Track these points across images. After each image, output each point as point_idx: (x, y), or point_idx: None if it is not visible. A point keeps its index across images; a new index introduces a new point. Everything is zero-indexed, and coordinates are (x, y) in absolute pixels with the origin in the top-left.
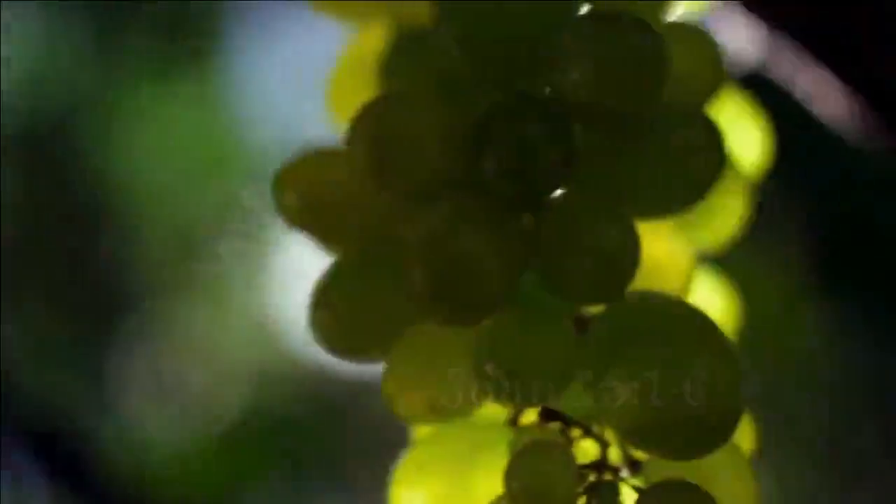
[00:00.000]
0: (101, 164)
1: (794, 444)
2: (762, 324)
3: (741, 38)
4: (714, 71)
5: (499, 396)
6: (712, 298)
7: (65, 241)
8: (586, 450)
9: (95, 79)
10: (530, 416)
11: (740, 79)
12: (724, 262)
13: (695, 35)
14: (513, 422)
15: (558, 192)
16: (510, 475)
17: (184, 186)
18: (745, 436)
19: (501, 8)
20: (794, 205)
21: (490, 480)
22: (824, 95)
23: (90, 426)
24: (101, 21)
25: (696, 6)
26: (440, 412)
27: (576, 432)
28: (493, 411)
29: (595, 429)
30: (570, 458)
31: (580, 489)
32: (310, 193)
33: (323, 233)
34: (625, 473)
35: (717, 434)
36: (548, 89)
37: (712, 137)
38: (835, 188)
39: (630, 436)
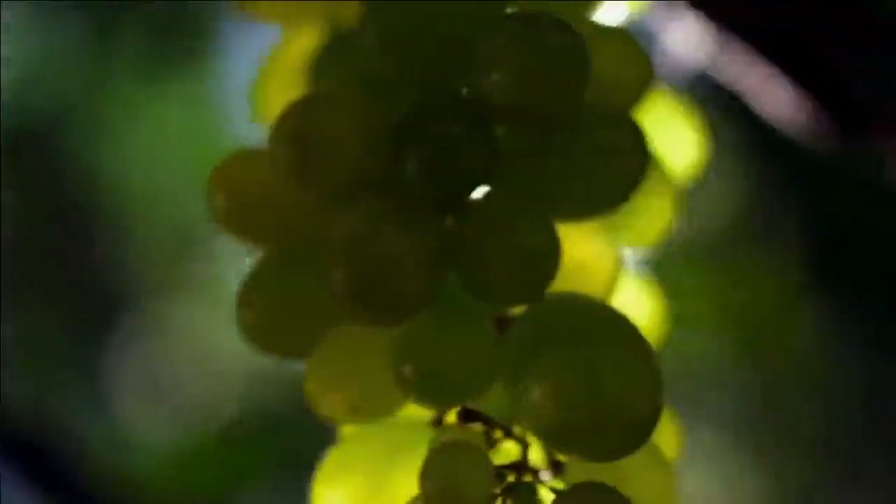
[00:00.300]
0: (96, 164)
1: (793, 444)
2: (761, 324)
3: (689, 39)
4: (641, 72)
5: (417, 397)
6: (638, 302)
7: (59, 241)
8: (509, 451)
9: (90, 79)
10: (454, 416)
11: (690, 79)
12: (724, 262)
13: (621, 37)
14: (437, 422)
15: (480, 192)
16: (424, 475)
17: (179, 186)
18: (669, 439)
19: (423, 9)
20: (792, 205)
21: (410, 481)
22: (773, 95)
23: (85, 426)
24: (95, 21)
25: (633, 6)
26: (361, 413)
27: (498, 433)
28: (417, 412)
29: (517, 430)
30: (485, 458)
31: (497, 490)
32: (236, 194)
33: (249, 233)
34: (547, 475)
35: (633, 437)
36: (469, 90)
37: (636, 139)
38: (832, 188)
39: (547, 437)
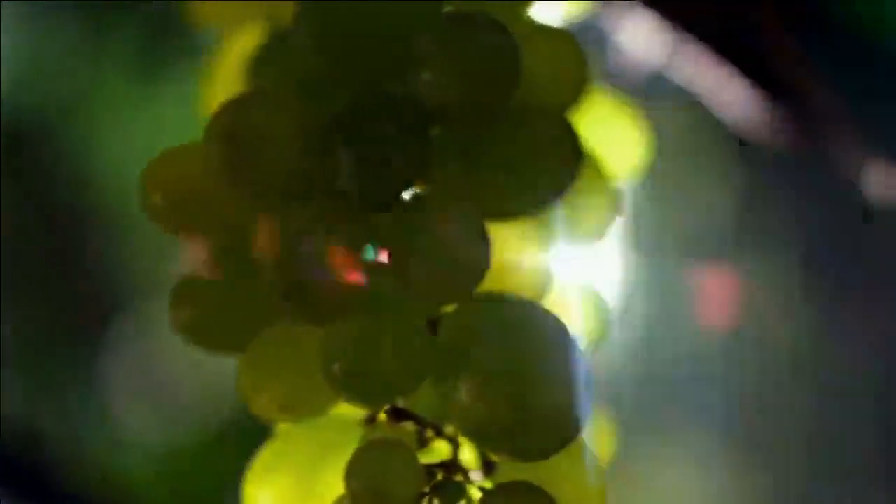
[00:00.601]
0: (88, 165)
1: (793, 443)
2: (760, 323)
3: (643, 39)
4: (578, 72)
5: (346, 396)
6: (574, 301)
7: (54, 242)
8: (441, 450)
9: (83, 79)
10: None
11: (645, 79)
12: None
13: (560, 37)
14: (369, 421)
15: (412, 192)
16: (350, 474)
17: None
18: (602, 442)
19: (357, 8)
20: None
21: (340, 480)
22: (728, 96)
23: (79, 427)
24: (90, 21)
25: (578, 6)
26: (292, 412)
27: (429, 433)
28: (350, 411)
29: (448, 430)
30: (412, 457)
31: (426, 489)
32: (170, 191)
33: (183, 230)
34: (478, 475)
35: (558, 437)
36: (402, 90)
37: (568, 138)
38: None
39: (474, 436)
